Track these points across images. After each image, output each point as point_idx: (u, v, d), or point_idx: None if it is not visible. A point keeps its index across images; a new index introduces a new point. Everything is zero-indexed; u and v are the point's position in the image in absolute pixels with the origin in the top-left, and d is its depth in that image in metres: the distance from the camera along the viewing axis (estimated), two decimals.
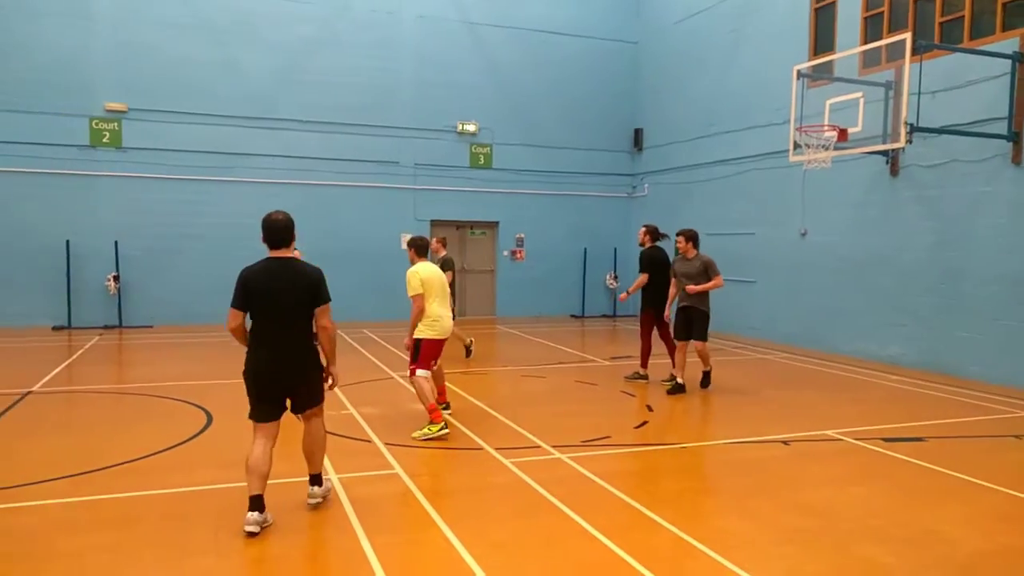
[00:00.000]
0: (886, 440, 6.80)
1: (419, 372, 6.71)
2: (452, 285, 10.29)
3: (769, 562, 4.16)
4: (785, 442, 6.76)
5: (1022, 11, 9.49)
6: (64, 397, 8.45)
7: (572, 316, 17.58)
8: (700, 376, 9.03)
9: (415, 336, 6.75)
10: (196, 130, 14.60)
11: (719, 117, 14.84)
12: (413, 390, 7.05)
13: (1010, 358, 9.40)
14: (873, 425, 7.38)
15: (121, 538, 4.38)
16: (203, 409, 7.61)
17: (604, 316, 17.84)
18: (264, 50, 15.02)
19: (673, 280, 8.99)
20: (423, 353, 6.72)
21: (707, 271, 8.67)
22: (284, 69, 15.16)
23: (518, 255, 17.34)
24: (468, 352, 11.14)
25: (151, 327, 14.31)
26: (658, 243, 9.52)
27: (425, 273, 6.78)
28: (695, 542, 4.39)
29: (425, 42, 16.14)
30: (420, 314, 6.68)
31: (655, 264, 9.32)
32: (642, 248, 9.55)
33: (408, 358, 7.04)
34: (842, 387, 9.50)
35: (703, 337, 8.74)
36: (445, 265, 10.17)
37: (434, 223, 16.59)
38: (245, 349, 4.73)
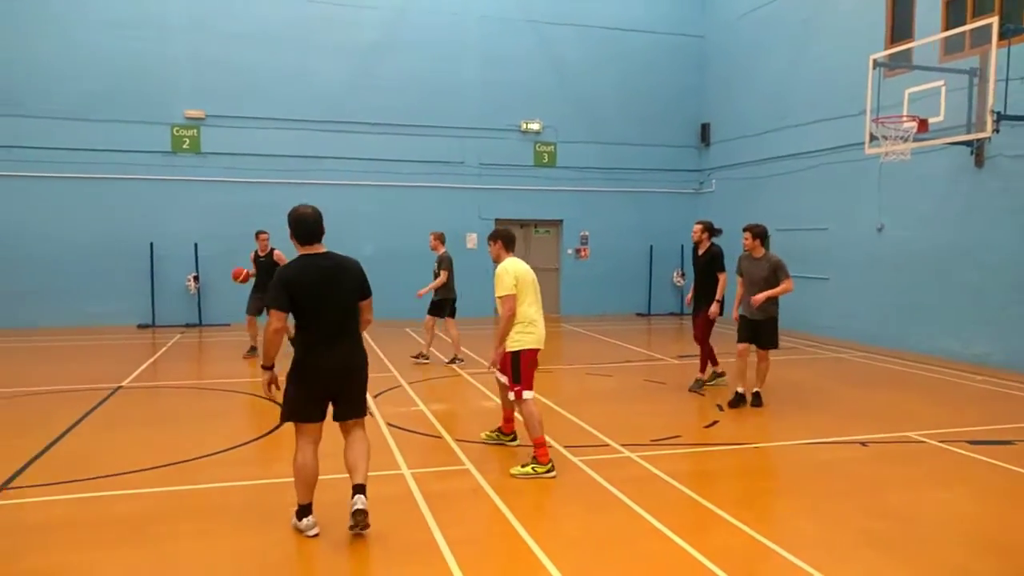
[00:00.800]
0: (971, 443, 6.52)
1: (525, 394, 5.62)
2: (448, 286, 10.49)
3: (847, 565, 4.06)
4: (863, 443, 6.56)
5: None
6: (151, 392, 8.87)
7: (638, 314, 17.42)
8: (751, 396, 7.99)
9: (509, 348, 5.69)
10: (269, 135, 15.09)
11: (789, 110, 14.47)
12: (506, 403, 6.27)
13: None
14: (957, 427, 7.08)
15: (209, 526, 4.59)
16: (279, 405, 7.85)
17: (671, 314, 17.62)
18: (333, 55, 15.39)
19: (739, 280, 8.14)
20: (523, 368, 5.65)
21: (776, 274, 7.73)
22: (353, 73, 15.51)
23: (582, 253, 17.29)
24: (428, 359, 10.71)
25: (228, 325, 14.85)
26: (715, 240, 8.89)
27: (518, 270, 5.80)
28: (769, 543, 4.32)
29: (489, 42, 16.26)
30: (511, 319, 5.65)
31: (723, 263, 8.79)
32: (706, 246, 8.84)
33: (500, 376, 6.01)
34: (922, 387, 9.15)
35: (774, 344, 7.97)
36: (440, 264, 10.47)
37: (498, 222, 16.65)
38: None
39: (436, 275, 10.52)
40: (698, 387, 8.78)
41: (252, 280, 11.03)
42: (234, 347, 12.48)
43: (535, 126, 16.62)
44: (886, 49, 11.93)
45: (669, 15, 17.30)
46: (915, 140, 9.76)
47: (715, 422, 7.35)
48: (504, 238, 6.02)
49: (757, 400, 7.93)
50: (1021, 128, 9.53)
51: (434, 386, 9.03)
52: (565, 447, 6.30)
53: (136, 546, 4.30)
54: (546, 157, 16.89)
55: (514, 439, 6.36)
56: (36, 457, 5.94)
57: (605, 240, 17.33)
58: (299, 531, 4.42)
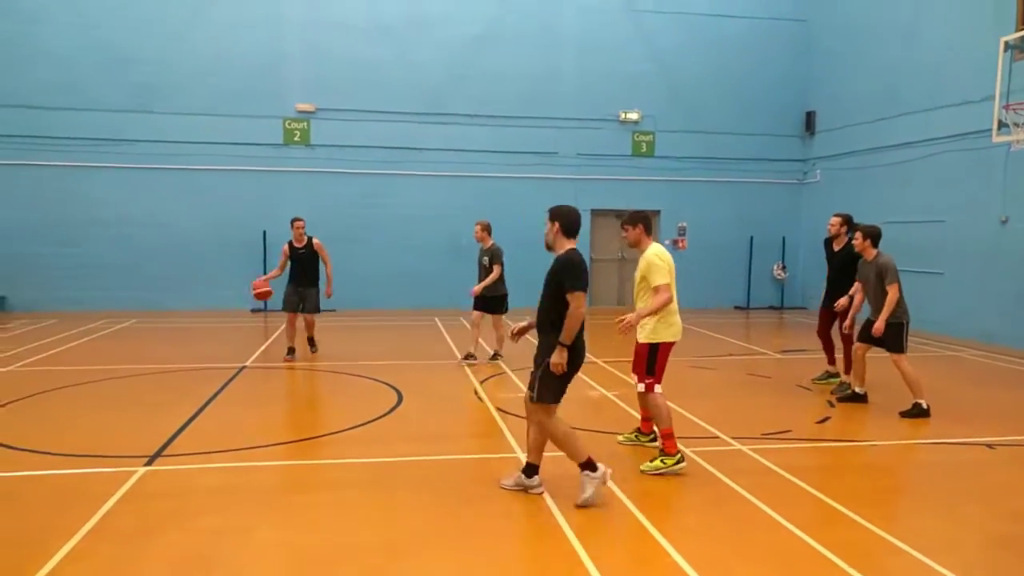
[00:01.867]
0: None
1: (656, 387, 5.56)
2: (501, 280, 9.72)
3: (980, 567, 3.96)
4: (989, 446, 6.30)
5: None
6: (272, 373, 9.41)
7: (736, 308, 17.11)
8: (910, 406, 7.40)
9: (647, 340, 5.56)
10: (374, 127, 15.61)
11: (902, 96, 13.83)
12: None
13: None
14: None
15: (341, 497, 4.90)
16: (393, 387, 8.22)
17: (771, 308, 17.21)
18: (434, 48, 15.76)
19: (858, 284, 7.77)
20: (659, 361, 5.55)
21: (881, 277, 7.28)
22: (453, 65, 15.83)
23: (680, 244, 17.09)
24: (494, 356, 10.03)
25: (334, 311, 15.49)
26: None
27: (671, 259, 5.63)
28: (896, 540, 4.26)
29: (586, 32, 16.24)
30: (663, 307, 5.45)
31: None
32: (843, 241, 8.29)
33: (635, 369, 5.76)
34: None
35: (899, 348, 7.33)
36: (494, 257, 9.71)
37: (595, 212, 16.72)
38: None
39: (487, 268, 9.76)
40: (823, 379, 8.67)
41: (287, 271, 10.02)
42: (342, 331, 13.03)
43: (633, 115, 16.51)
44: (1017, 30, 11.23)
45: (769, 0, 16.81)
46: None
47: (827, 418, 7.21)
48: (645, 222, 5.72)
49: (917, 411, 7.26)
50: None
51: None
52: (677, 438, 6.32)
53: (282, 512, 4.65)
54: (644, 147, 16.77)
55: (653, 439, 6.10)
56: (182, 428, 6.46)
57: (703, 231, 17.07)
58: (528, 488, 4.91)
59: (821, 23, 16.47)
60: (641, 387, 5.64)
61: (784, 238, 17.19)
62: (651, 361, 5.56)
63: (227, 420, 6.87)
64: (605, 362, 10.06)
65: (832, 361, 8.74)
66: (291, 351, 9.92)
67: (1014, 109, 9.36)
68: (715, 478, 5.35)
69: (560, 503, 4.78)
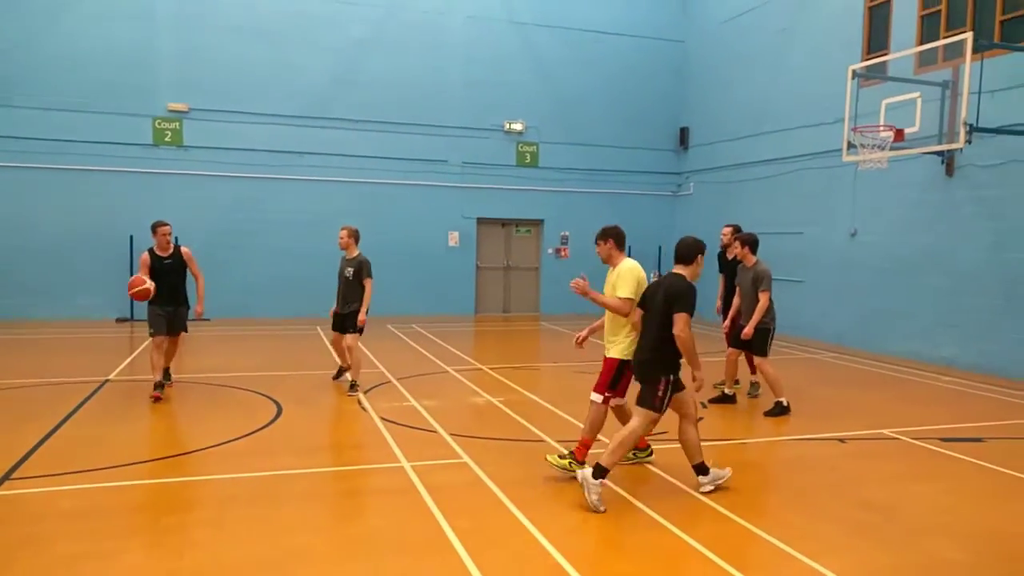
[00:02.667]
0: (943, 440, 6.83)
1: (613, 402, 5.64)
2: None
3: (837, 554, 4.28)
4: (841, 440, 6.84)
5: None
6: (139, 385, 8.84)
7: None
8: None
9: (617, 356, 5.46)
10: (253, 129, 15.06)
11: (767, 116, 14.83)
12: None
13: None
14: (928, 425, 7.40)
15: (218, 515, 4.68)
16: (272, 399, 7.94)
17: None
18: (318, 51, 15.42)
19: (738, 289, 8.19)
20: (624, 378, 5.52)
21: (755, 285, 7.69)
22: (337, 70, 15.54)
23: (563, 253, 17.50)
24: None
25: (209, 320, 14.77)
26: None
27: (641, 277, 5.45)
28: (762, 532, 4.54)
29: (474, 42, 16.39)
30: (627, 325, 5.40)
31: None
32: (735, 251, 8.19)
33: (599, 382, 5.61)
34: (894, 387, 9.50)
35: (762, 352, 7.83)
36: (362, 269, 8.27)
37: (480, 221, 16.86)
38: None
39: (350, 281, 8.34)
40: (753, 392, 8.71)
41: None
42: (218, 342, 12.46)
43: (518, 126, 16.79)
44: (863, 60, 12.31)
45: (650, 20, 17.59)
46: (892, 149, 10.11)
47: (700, 419, 7.56)
48: (616, 237, 5.61)
49: (778, 410, 7.70)
50: (991, 140, 9.94)
51: (421, 382, 9.14)
52: (558, 441, 6.48)
53: (152, 535, 4.38)
54: (528, 157, 17.08)
55: (650, 454, 6.01)
56: (35, 448, 5.96)
57: (585, 241, 17.46)
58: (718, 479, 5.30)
59: (697, 45, 17.39)
60: (599, 399, 5.56)
61: (660, 247, 17.95)
62: (616, 376, 5.51)
63: (87, 438, 6.40)
64: (491, 368, 10.14)
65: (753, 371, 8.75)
66: (160, 385, 7.93)
67: (860, 131, 10.24)
68: None
69: (445, 510, 4.77)
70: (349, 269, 8.33)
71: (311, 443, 6.43)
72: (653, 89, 17.74)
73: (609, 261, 5.64)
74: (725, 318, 8.64)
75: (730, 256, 8.84)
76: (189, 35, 14.67)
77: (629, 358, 5.39)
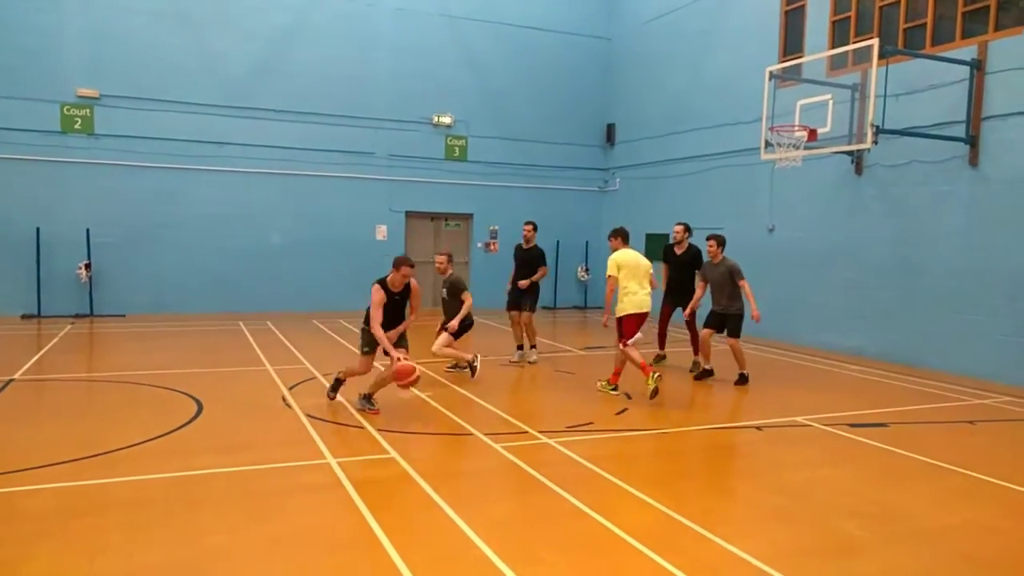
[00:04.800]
0: (851, 426, 7.19)
1: (629, 342, 8.11)
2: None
3: (754, 537, 4.46)
4: (758, 428, 7.11)
5: (981, 19, 9.98)
6: (48, 385, 8.44)
7: (544, 308, 17.84)
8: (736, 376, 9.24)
9: (617, 314, 8.18)
10: (171, 118, 14.47)
11: (690, 114, 15.21)
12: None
13: (965, 349, 9.93)
14: (838, 412, 7.78)
15: (133, 519, 4.51)
16: (192, 397, 7.69)
17: (575, 308, 18.16)
18: (240, 38, 14.94)
19: (699, 282, 9.61)
20: (626, 328, 8.11)
21: (732, 276, 9.07)
22: (261, 58, 15.10)
23: (492, 247, 17.54)
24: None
25: (123, 316, 14.19)
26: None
27: (619, 258, 8.17)
28: (684, 519, 4.68)
29: (402, 34, 16.19)
30: (609, 294, 8.22)
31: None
32: (685, 246, 10.19)
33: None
34: (808, 376, 9.95)
35: (737, 333, 9.19)
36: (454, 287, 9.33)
37: (409, 214, 16.73)
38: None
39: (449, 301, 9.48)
40: (696, 369, 9.82)
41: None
42: (133, 339, 11.98)
43: (446, 119, 16.71)
44: (780, 62, 12.78)
45: (578, 16, 17.76)
46: (805, 148, 10.53)
47: (624, 410, 7.75)
48: (622, 235, 8.47)
49: (742, 380, 9.12)
50: (896, 141, 10.48)
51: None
52: (486, 434, 6.52)
53: (60, 540, 4.19)
54: (457, 151, 17.02)
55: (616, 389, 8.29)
56: None
57: (515, 234, 17.54)
58: None
59: (623, 43, 17.66)
60: (621, 346, 8.12)
61: (587, 242, 18.22)
62: (619, 328, 8.07)
63: None
64: (420, 363, 10.06)
65: (662, 347, 10.46)
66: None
67: (777, 131, 10.63)
68: (522, 471, 5.57)
69: (372, 506, 4.74)
70: (443, 290, 9.43)
71: (232, 441, 6.27)
72: (581, 85, 17.94)
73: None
74: (665, 304, 10.28)
75: (679, 252, 10.22)
76: (101, 17, 13.97)
77: (622, 313, 8.09)
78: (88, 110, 14.04)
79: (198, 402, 7.49)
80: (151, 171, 14.43)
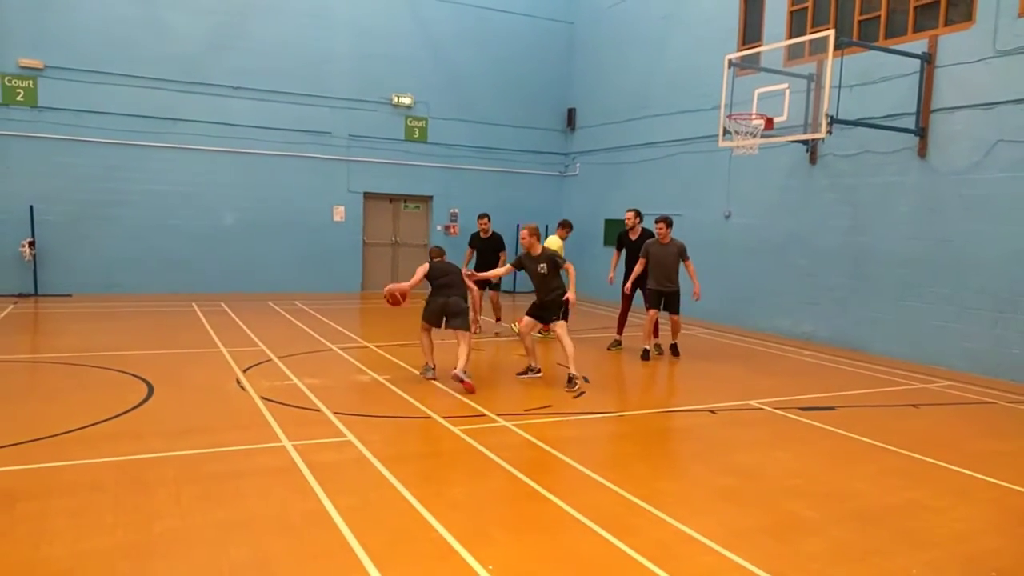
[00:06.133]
0: (802, 409, 7.38)
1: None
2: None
3: (706, 517, 4.56)
4: (712, 411, 7.25)
5: (932, 14, 10.22)
6: None
7: (505, 291, 17.85)
8: (668, 350, 10.20)
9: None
10: (120, 91, 14.02)
11: (650, 100, 15.30)
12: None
13: (910, 336, 10.25)
14: (789, 396, 7.97)
15: (82, 503, 4.41)
16: (142, 379, 7.53)
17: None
18: (194, 11, 14.51)
19: (642, 260, 9.95)
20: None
21: (680, 256, 9.73)
22: (216, 32, 14.71)
23: (452, 230, 17.46)
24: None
25: (70, 295, 13.78)
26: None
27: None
28: (638, 500, 4.76)
29: (362, 12, 15.92)
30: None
31: None
32: (638, 232, 10.55)
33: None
34: (760, 361, 10.16)
35: (677, 309, 9.95)
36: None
37: (367, 195, 16.54)
38: None
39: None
40: (615, 345, 10.56)
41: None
42: (80, 319, 11.65)
43: (406, 100, 16.51)
44: (738, 50, 12.91)
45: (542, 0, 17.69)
46: (762, 136, 10.69)
47: (582, 392, 7.82)
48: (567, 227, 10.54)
49: (675, 351, 10.10)
50: (849, 131, 10.70)
51: (304, 360, 8.93)
52: (444, 417, 6.52)
53: (5, 526, 4.07)
54: (417, 132, 16.85)
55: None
56: None
57: (474, 217, 17.54)
58: None
59: (585, 27, 17.64)
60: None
61: (547, 226, 18.19)
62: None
63: None
64: (377, 346, 10.03)
65: (620, 331, 10.67)
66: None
67: (735, 119, 10.76)
68: (480, 453, 5.59)
69: (328, 489, 4.71)
70: (542, 265, 8.28)
71: (185, 424, 6.15)
72: (543, 69, 17.89)
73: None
74: (625, 287, 10.38)
75: (634, 237, 10.53)
76: None
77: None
78: (31, 81, 13.51)
79: (149, 384, 7.33)
80: (99, 146, 13.99)
